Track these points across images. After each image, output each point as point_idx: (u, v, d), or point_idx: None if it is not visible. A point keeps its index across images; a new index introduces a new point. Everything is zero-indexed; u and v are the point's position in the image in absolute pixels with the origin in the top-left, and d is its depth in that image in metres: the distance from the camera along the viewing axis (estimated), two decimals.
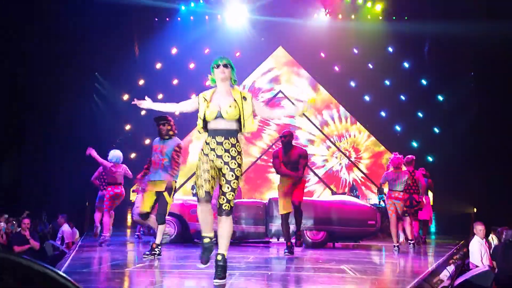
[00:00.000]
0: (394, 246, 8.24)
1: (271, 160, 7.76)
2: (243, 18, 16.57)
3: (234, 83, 4.54)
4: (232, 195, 4.26)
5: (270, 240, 9.85)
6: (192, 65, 17.18)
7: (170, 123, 6.79)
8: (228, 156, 4.28)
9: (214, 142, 4.31)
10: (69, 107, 14.44)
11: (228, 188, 4.24)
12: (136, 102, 5.30)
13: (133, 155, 16.54)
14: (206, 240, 4.38)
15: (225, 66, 4.47)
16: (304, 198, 7.56)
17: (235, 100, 4.35)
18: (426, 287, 4.64)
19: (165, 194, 6.57)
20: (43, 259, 7.45)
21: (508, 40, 13.05)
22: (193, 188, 15.37)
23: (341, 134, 17.66)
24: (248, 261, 6.27)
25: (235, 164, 4.29)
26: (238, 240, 9.27)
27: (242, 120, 4.34)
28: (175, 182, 6.70)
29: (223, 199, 4.23)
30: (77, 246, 8.22)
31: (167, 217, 9.05)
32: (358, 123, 17.68)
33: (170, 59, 16.87)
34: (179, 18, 16.63)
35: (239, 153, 4.34)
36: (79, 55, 14.53)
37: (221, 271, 4.23)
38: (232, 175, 4.26)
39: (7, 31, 12.91)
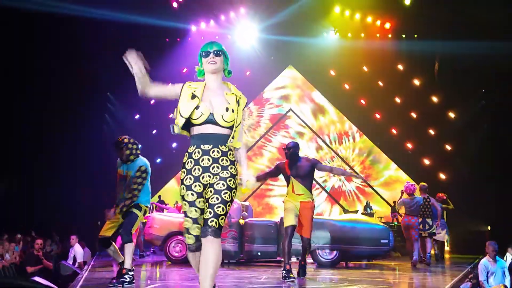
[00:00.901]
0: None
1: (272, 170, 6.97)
2: (253, 38, 16.70)
3: (227, 75, 3.62)
4: (222, 209, 3.23)
5: (282, 259, 9.78)
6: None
7: (128, 146, 5.95)
8: (218, 167, 3.34)
9: (198, 152, 3.36)
10: (81, 126, 14.56)
11: (217, 199, 3.24)
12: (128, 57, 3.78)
13: None
14: None
15: (217, 54, 3.52)
16: (316, 217, 7.51)
17: (237, 103, 3.45)
18: None
19: (135, 210, 5.81)
20: (57, 280, 7.45)
21: None
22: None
23: (352, 151, 17.62)
24: (261, 281, 6.23)
25: (228, 173, 3.34)
26: (249, 260, 9.22)
27: (233, 128, 3.40)
28: (147, 206, 5.99)
29: (210, 213, 3.21)
30: (90, 266, 8.22)
31: (178, 237, 9.11)
32: (367, 139, 17.64)
33: (181, 78, 16.91)
34: (189, 38, 16.79)
35: (233, 162, 3.40)
36: (91, 75, 14.69)
37: None
38: (223, 184, 3.29)
39: (20, 50, 13.13)
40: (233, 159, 3.39)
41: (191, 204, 3.28)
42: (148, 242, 10.13)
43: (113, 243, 5.91)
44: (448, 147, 16.49)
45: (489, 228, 13.85)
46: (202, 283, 3.20)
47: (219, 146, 3.34)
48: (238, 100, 3.46)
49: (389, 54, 16.44)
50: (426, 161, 16.65)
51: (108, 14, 13.41)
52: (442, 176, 16.31)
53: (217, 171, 3.30)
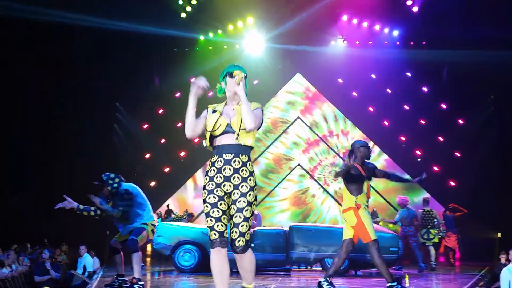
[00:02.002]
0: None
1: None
2: (261, 47, 16.75)
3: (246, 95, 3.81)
4: (246, 226, 3.52)
5: (291, 268, 9.76)
6: (210, 93, 17.30)
7: (107, 182, 6.29)
8: (239, 178, 3.55)
9: (221, 162, 3.60)
10: (91, 136, 14.67)
11: (240, 218, 3.51)
12: None
13: (152, 183, 16.65)
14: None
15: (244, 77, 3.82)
16: (325, 225, 7.50)
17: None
18: None
19: (142, 225, 6.03)
20: None
21: None
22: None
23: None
24: None
25: (247, 187, 3.55)
26: (258, 269, 9.20)
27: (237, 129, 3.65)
28: (153, 225, 6.19)
29: (236, 233, 3.52)
30: (99, 275, 8.24)
31: (187, 246, 9.12)
32: (376, 147, 17.58)
33: (189, 88, 17.02)
34: (197, 48, 16.89)
35: (252, 173, 3.62)
36: (100, 85, 14.82)
37: None
38: (244, 201, 3.52)
39: (28, 60, 13.27)
40: (252, 170, 3.63)
41: (213, 205, 3.54)
42: (156, 252, 10.15)
43: (121, 253, 6.09)
44: (458, 154, 16.41)
45: (499, 235, 13.73)
46: (245, 279, 3.69)
47: (238, 155, 3.58)
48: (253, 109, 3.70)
49: (397, 62, 16.41)
50: (436, 168, 16.56)
51: (117, 24, 13.54)
52: (452, 183, 16.21)
53: (237, 182, 3.55)
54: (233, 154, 3.58)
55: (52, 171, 14.27)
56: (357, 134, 17.75)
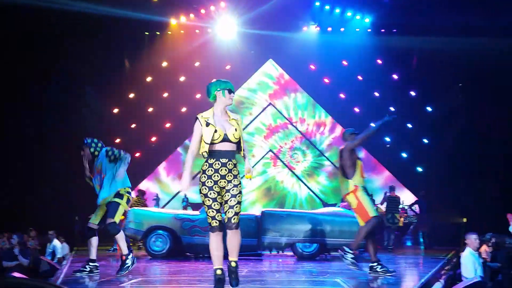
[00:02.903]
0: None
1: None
2: (233, 32, 16.62)
3: (213, 99, 4.70)
4: (239, 208, 4.43)
5: (262, 253, 9.85)
6: (182, 78, 17.20)
7: (91, 144, 6.41)
8: (231, 175, 4.43)
9: (218, 164, 4.41)
10: (58, 120, 14.39)
11: (234, 201, 4.40)
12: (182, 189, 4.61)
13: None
14: (219, 272, 4.48)
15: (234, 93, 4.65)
16: (295, 210, 7.59)
17: (237, 124, 4.52)
18: None
19: (115, 199, 6.13)
20: (35, 275, 7.38)
21: (495, 52, 13.27)
22: (183, 201, 15.32)
23: (330, 144, 17.73)
24: (243, 275, 6.24)
25: (238, 181, 4.46)
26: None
27: (241, 142, 4.51)
28: (128, 192, 6.27)
29: (232, 212, 4.39)
30: (69, 261, 8.15)
31: (159, 231, 9.11)
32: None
33: (161, 72, 16.87)
34: (169, 32, 16.65)
35: (238, 171, 4.51)
36: (68, 68, 14.51)
37: (235, 277, 4.49)
38: (237, 190, 4.42)
39: None
40: (238, 171, 4.49)
41: (214, 200, 4.40)
42: (128, 237, 10.06)
43: (97, 236, 6.18)
44: (425, 141, 16.72)
45: (465, 220, 14.10)
46: (232, 254, 4.51)
47: (232, 159, 4.46)
48: (238, 122, 4.55)
49: (368, 49, 16.54)
50: (404, 154, 16.85)
51: (86, 6, 13.24)
52: (419, 169, 16.53)
53: (230, 178, 4.43)
54: (227, 159, 4.43)
55: (18, 156, 13.95)
56: (327, 121, 17.90)
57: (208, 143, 4.40)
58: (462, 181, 14.64)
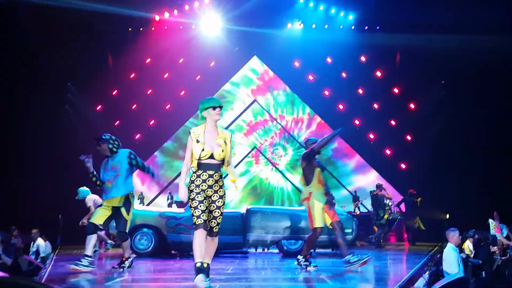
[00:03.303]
0: None
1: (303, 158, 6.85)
2: (218, 28, 16.57)
3: (202, 119, 5.03)
4: (220, 219, 4.94)
5: (248, 250, 9.86)
6: (166, 75, 17.11)
7: (109, 140, 6.61)
8: (217, 186, 4.89)
9: (206, 175, 4.88)
10: (41, 117, 14.22)
11: (218, 213, 4.91)
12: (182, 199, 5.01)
13: None
14: (199, 265, 4.78)
15: (221, 108, 4.97)
16: (280, 207, 7.62)
17: (224, 143, 4.92)
18: None
19: (122, 210, 6.41)
20: (18, 274, 7.30)
21: (478, 49, 13.42)
22: (168, 199, 15.26)
23: (307, 138, 17.79)
24: (228, 273, 6.27)
25: (223, 191, 4.93)
26: (216, 251, 9.23)
27: (225, 160, 4.93)
28: (132, 195, 6.58)
29: (214, 222, 4.92)
30: (53, 260, 8.08)
31: (144, 229, 9.08)
32: (331, 130, 17.82)
33: (144, 69, 16.77)
34: (153, 28, 16.53)
35: (223, 183, 4.97)
36: (51, 65, 14.34)
37: (205, 276, 4.77)
38: (221, 201, 4.90)
39: None
40: (223, 182, 4.96)
41: (200, 202, 4.83)
42: (112, 235, 10.01)
43: (99, 233, 6.55)
44: (409, 138, 16.86)
45: (447, 216, 14.27)
46: (207, 256, 4.94)
47: (218, 171, 4.92)
48: (225, 140, 4.95)
49: (352, 46, 16.62)
50: (388, 151, 16.98)
51: (69, 2, 13.08)
52: (403, 165, 16.68)
53: (216, 188, 4.90)
54: (214, 171, 4.89)
55: (1, 153, 13.76)
56: (305, 117, 17.93)
57: (196, 159, 4.87)
58: (445, 177, 14.82)
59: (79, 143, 15.50)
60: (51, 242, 10.74)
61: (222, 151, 4.88)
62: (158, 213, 9.48)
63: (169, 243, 9.13)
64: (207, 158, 4.86)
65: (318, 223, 6.56)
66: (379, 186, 12.93)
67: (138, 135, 16.73)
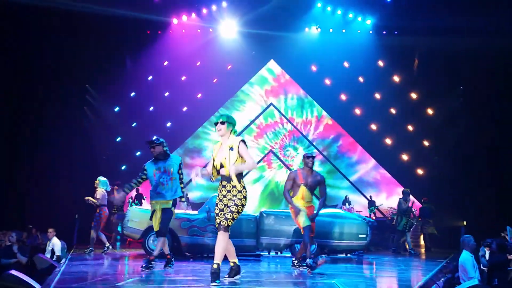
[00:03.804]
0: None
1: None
2: (235, 32, 16.64)
3: (234, 133, 5.35)
4: (230, 215, 5.15)
5: (261, 253, 9.84)
6: (183, 78, 17.21)
7: (163, 143, 6.97)
8: (230, 195, 5.24)
9: (221, 185, 5.31)
10: (60, 118, 14.39)
11: (227, 209, 5.18)
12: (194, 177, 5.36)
13: (123, 167, 16.48)
14: (215, 266, 5.08)
15: (222, 123, 5.23)
16: None
17: (231, 149, 5.19)
18: None
19: (173, 209, 6.92)
20: (33, 273, 7.37)
21: (497, 54, 13.23)
22: (180, 201, 15.29)
23: (314, 138, 17.81)
24: (240, 275, 6.24)
25: (236, 198, 5.20)
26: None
27: (227, 166, 5.19)
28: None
29: (222, 215, 5.21)
30: (67, 259, 8.15)
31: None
32: (347, 135, 17.76)
33: (162, 71, 16.89)
34: (171, 31, 16.67)
35: (240, 191, 5.22)
36: (70, 67, 14.52)
37: (215, 277, 5.02)
38: (232, 202, 5.18)
39: None
40: (241, 188, 5.22)
41: (221, 210, 5.27)
42: (126, 236, 10.08)
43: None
44: (426, 143, 16.70)
45: (464, 223, 14.09)
46: (216, 256, 5.17)
47: (230, 181, 5.23)
48: (231, 147, 5.22)
49: (370, 50, 16.54)
50: (404, 157, 16.84)
51: (88, 6, 13.24)
52: (420, 171, 16.52)
53: (230, 197, 5.25)
54: (226, 181, 5.26)
55: (20, 153, 13.97)
56: (328, 122, 17.89)
57: (214, 168, 5.33)
58: (462, 184, 14.62)
59: (97, 143, 15.71)
60: (66, 241, 10.83)
61: (225, 158, 5.20)
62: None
63: (182, 244, 9.15)
64: (219, 168, 5.25)
65: (304, 222, 7.06)
66: (406, 192, 12.15)
67: (154, 137, 16.83)
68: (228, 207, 5.19)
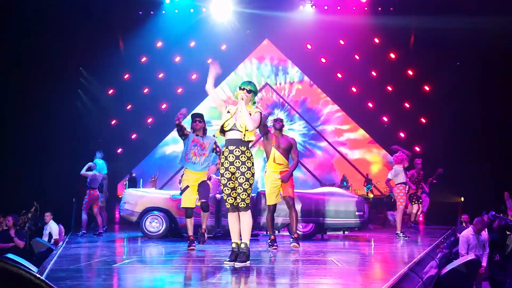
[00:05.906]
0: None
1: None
2: (229, 11, 16.42)
3: (253, 104, 5.22)
4: (245, 194, 5.00)
5: (259, 233, 9.85)
6: (177, 59, 17.06)
7: (205, 121, 7.06)
8: (239, 162, 4.99)
9: (227, 151, 5.05)
10: (54, 102, 14.28)
11: (240, 189, 4.99)
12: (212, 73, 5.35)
13: (119, 150, 16.43)
14: (233, 245, 5.11)
15: (248, 91, 5.15)
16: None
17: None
18: (413, 277, 4.65)
19: (208, 181, 7.02)
20: (30, 257, 7.37)
21: (493, 31, 13.11)
22: (180, 182, 15.28)
23: (327, 124, 17.72)
24: None
25: (245, 168, 4.99)
26: (225, 234, 9.24)
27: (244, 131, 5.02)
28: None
29: (238, 198, 5.02)
30: (64, 242, 8.15)
31: (155, 212, 9.11)
32: (345, 113, 17.71)
33: (155, 52, 16.74)
34: (163, 11, 16.44)
35: (249, 158, 5.04)
36: (63, 50, 14.35)
37: (244, 256, 4.99)
38: (243, 178, 4.97)
39: None
40: (249, 155, 5.05)
41: (224, 185, 5.08)
42: (123, 218, 10.07)
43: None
44: (423, 120, 16.67)
45: (462, 199, 14.12)
46: (238, 236, 5.15)
47: (240, 146, 5.03)
48: (250, 113, 5.05)
49: (365, 28, 16.38)
50: (402, 134, 16.82)
51: None
52: (417, 148, 16.51)
53: (238, 164, 4.99)
54: (234, 146, 5.02)
55: (14, 137, 13.87)
56: (324, 100, 17.83)
57: (220, 126, 5.12)
58: (460, 160, 14.62)
59: (92, 127, 15.63)
60: (64, 225, 10.82)
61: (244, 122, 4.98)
62: (169, 196, 9.49)
63: (180, 226, 9.14)
64: (229, 130, 5.06)
65: (268, 201, 7.23)
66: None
67: (150, 119, 16.78)
68: (240, 184, 4.97)
